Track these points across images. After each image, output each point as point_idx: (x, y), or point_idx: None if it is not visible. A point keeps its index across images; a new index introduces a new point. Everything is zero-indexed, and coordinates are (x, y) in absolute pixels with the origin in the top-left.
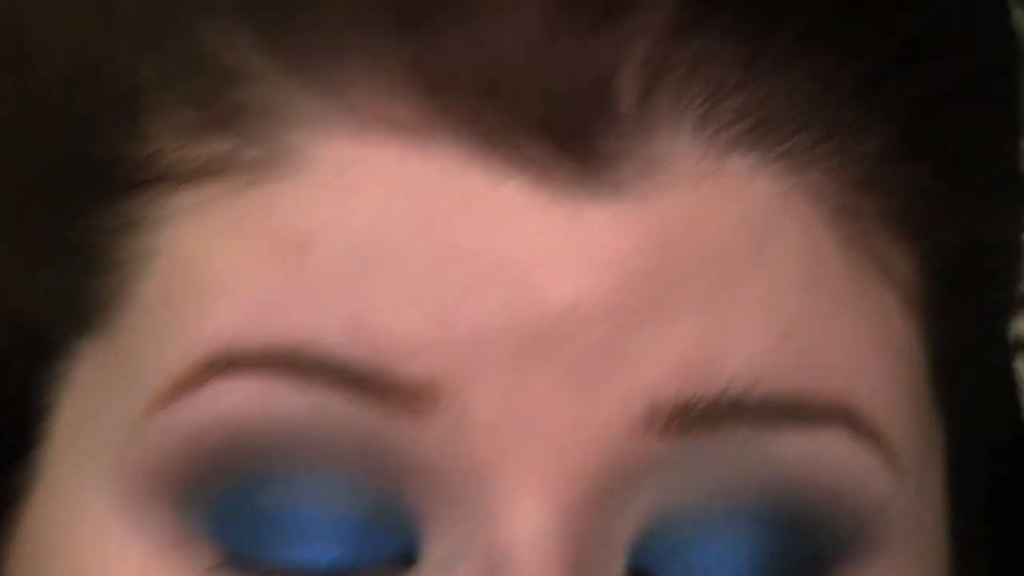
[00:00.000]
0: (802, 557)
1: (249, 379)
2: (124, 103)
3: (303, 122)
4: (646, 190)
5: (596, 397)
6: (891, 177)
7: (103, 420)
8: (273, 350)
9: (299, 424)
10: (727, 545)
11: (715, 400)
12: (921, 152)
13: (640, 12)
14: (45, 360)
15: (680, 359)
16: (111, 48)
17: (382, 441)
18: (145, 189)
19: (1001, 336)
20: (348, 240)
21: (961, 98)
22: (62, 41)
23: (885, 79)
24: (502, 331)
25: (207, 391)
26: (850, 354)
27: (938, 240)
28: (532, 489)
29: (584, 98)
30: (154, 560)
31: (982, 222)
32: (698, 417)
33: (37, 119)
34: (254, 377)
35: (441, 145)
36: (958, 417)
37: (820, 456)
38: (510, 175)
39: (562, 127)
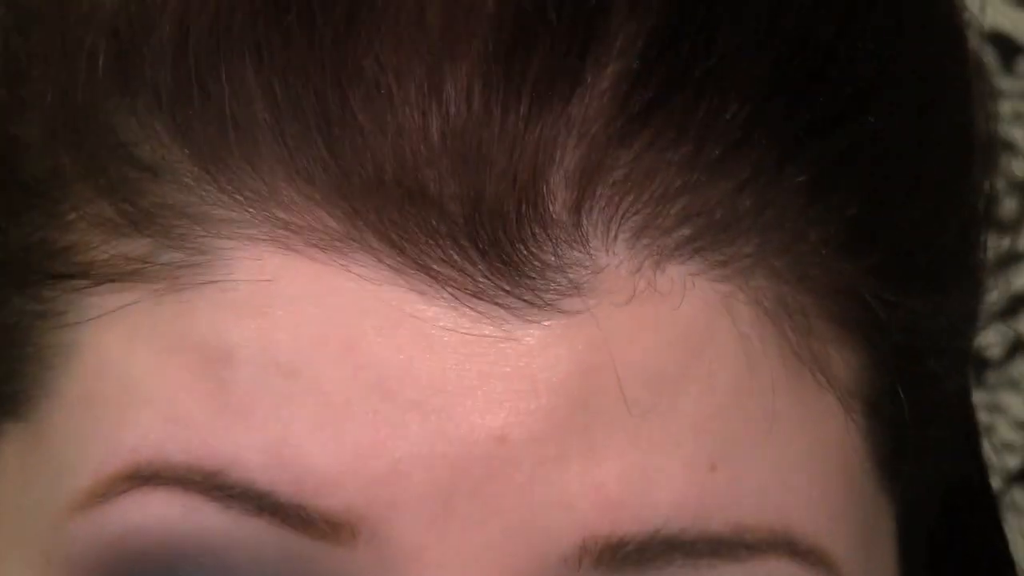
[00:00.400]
0: None
1: (170, 493)
2: (43, 188)
3: (222, 227)
4: (578, 307)
5: (525, 533)
6: (832, 274)
7: (26, 511)
8: (194, 471)
9: (220, 541)
10: None
11: (647, 540)
12: (863, 249)
13: (574, 106)
14: None
15: (610, 496)
16: (28, 130)
17: (304, 565)
18: (66, 281)
19: (957, 391)
20: (268, 361)
21: (902, 192)
22: None
23: (828, 177)
24: (426, 465)
25: (128, 500)
26: (784, 477)
27: (881, 335)
28: None
29: (512, 203)
30: None
31: (928, 310)
32: (628, 555)
33: None
34: (175, 492)
35: (363, 259)
36: (909, 486)
37: None
38: (435, 292)
39: (489, 236)
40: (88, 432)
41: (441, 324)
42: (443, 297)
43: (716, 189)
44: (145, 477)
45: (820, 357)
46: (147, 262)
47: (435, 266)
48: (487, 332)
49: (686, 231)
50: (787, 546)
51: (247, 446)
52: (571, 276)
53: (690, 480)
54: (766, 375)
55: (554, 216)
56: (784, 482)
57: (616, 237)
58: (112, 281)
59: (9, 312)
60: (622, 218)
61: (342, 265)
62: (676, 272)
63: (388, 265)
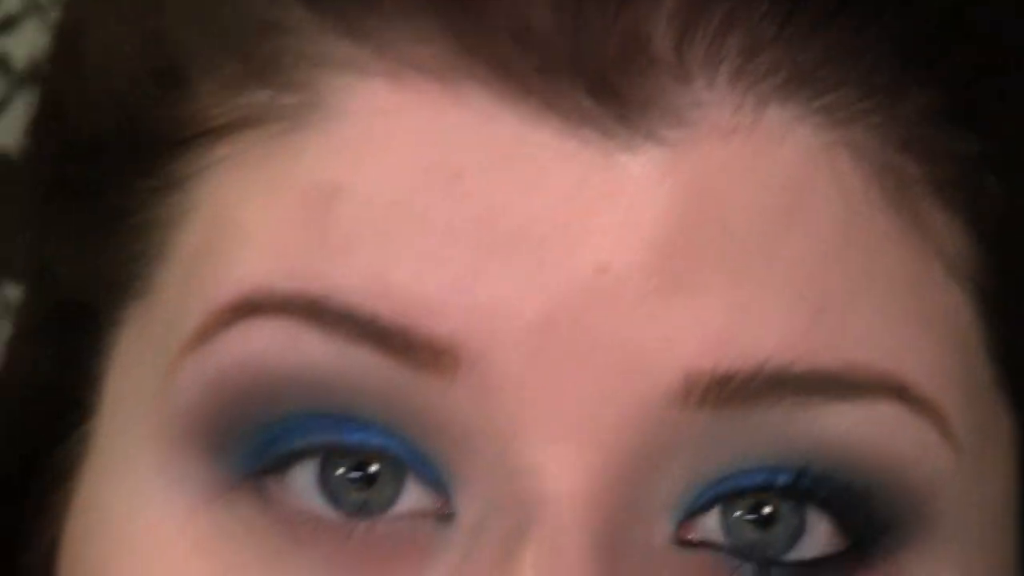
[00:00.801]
0: (858, 523)
1: (274, 323)
2: (169, 68)
3: (338, 66)
4: (682, 139)
5: (628, 369)
6: (936, 141)
7: (143, 380)
8: (297, 298)
9: (324, 370)
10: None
11: (752, 375)
12: (967, 117)
13: None
14: (95, 333)
15: (714, 333)
16: (159, 18)
17: (407, 394)
18: (186, 147)
19: None
20: (375, 192)
21: (1008, 63)
22: (112, 16)
23: (929, 41)
24: (529, 295)
25: (234, 332)
26: (892, 326)
27: (987, 210)
28: (561, 455)
29: (618, 43)
30: (195, 515)
31: None
32: (735, 390)
33: (82, 94)
34: (279, 322)
35: (472, 91)
36: None
37: (871, 429)
38: (542, 123)
39: (595, 71)
40: (199, 279)
41: (548, 155)
42: (550, 127)
43: (817, 36)
44: (250, 308)
45: (926, 223)
46: (264, 109)
47: (542, 98)
48: (593, 162)
49: (785, 74)
50: (898, 391)
51: (351, 273)
52: (675, 109)
53: (797, 319)
54: (870, 228)
55: (657, 54)
56: (894, 332)
57: (717, 75)
58: (231, 134)
59: (127, 196)
60: (723, 58)
61: (452, 99)
62: (777, 115)
63: (496, 98)
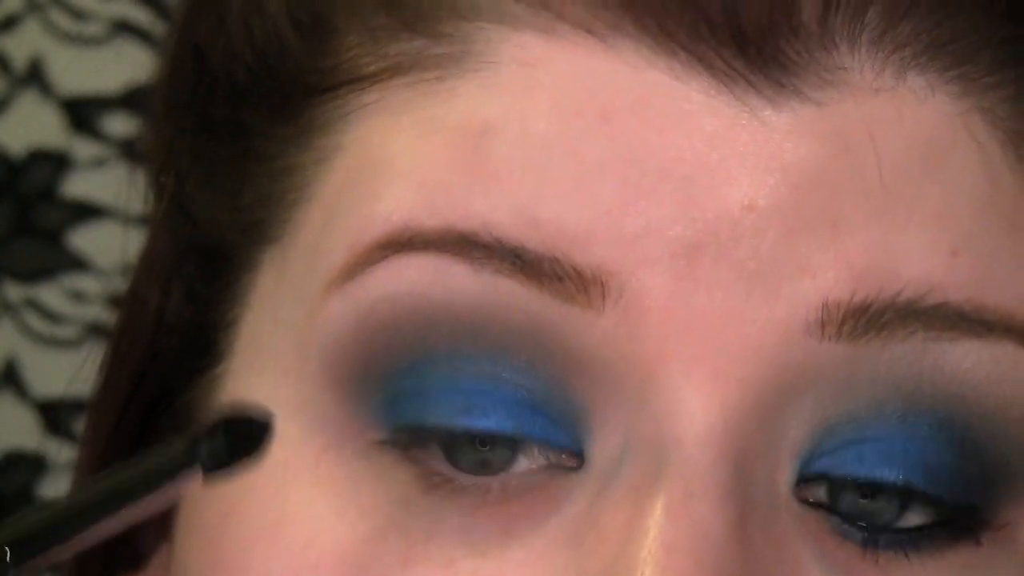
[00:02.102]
0: (975, 473)
1: (424, 258)
2: (314, 18)
3: (492, 19)
4: (826, 98)
5: (769, 298)
6: None
7: (282, 320)
8: (448, 233)
9: (471, 305)
10: (902, 437)
11: (888, 304)
12: None
13: None
14: (230, 277)
15: (854, 264)
16: None
17: (553, 329)
18: (332, 95)
19: None
20: (526, 131)
21: None
22: None
23: None
24: (675, 227)
25: (382, 268)
26: (1021, 276)
27: None
28: (701, 387)
29: (767, 7)
30: (326, 454)
31: None
32: (871, 320)
33: (226, 42)
34: (429, 256)
35: (624, 44)
36: None
37: (995, 367)
38: (691, 76)
39: (745, 33)
40: (344, 214)
41: (695, 106)
42: (699, 80)
43: (953, 7)
44: (399, 244)
45: None
46: (414, 59)
47: (693, 54)
48: (739, 114)
49: (924, 42)
50: (1022, 334)
51: (500, 207)
52: (818, 71)
53: (932, 260)
54: (1006, 186)
55: (803, 19)
56: None
57: (859, 42)
58: (380, 82)
59: (268, 141)
60: (865, 26)
61: (604, 50)
62: (916, 81)
63: (648, 50)
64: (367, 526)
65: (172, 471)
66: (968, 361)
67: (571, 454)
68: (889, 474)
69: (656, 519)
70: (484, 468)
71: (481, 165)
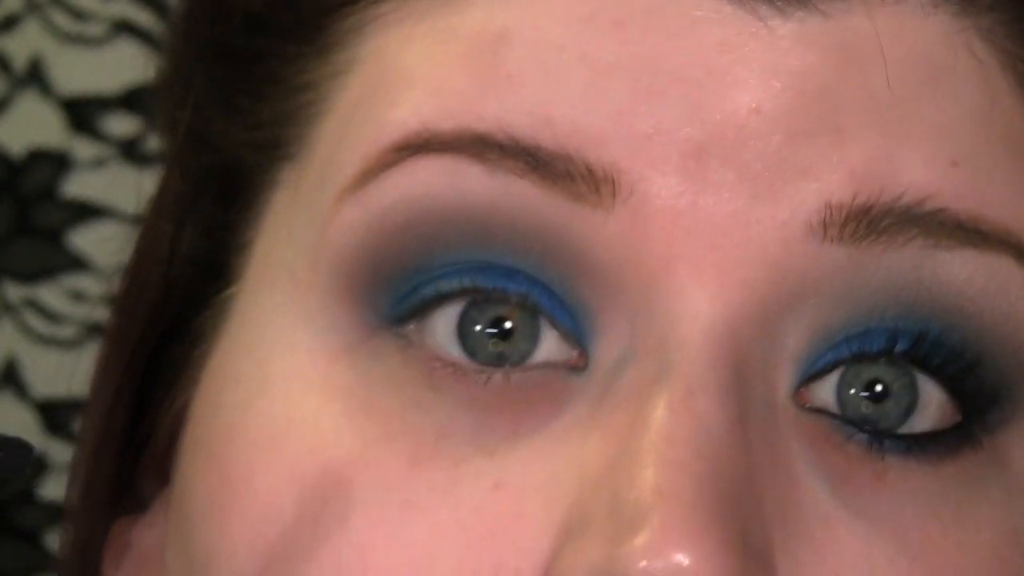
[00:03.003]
0: (970, 391)
1: (439, 160)
2: None
3: None
4: (832, 10)
5: (773, 198)
6: None
7: (295, 234)
8: (463, 135)
9: (484, 207)
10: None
11: (888, 207)
12: None
13: None
14: (246, 199)
15: (856, 168)
16: None
17: (563, 230)
18: (347, 10)
19: None
20: (540, 37)
21: None
22: None
23: None
24: (685, 129)
25: (396, 172)
26: (1020, 191)
27: None
28: (705, 287)
29: None
30: (338, 360)
31: None
32: (872, 223)
33: None
34: (444, 159)
35: None
36: None
37: (991, 280)
38: None
39: None
40: (359, 124)
41: (705, 11)
42: None
43: None
44: (414, 148)
45: None
46: None
47: None
48: (748, 22)
49: None
50: (1018, 249)
51: (514, 109)
52: None
53: (932, 169)
54: (1004, 105)
55: None
56: (1022, 194)
57: None
58: None
59: (285, 61)
60: None
61: None
62: None
63: None
64: (377, 430)
65: None
66: (965, 272)
67: (580, 349)
68: (899, 344)
69: (657, 415)
70: (499, 358)
71: (496, 70)
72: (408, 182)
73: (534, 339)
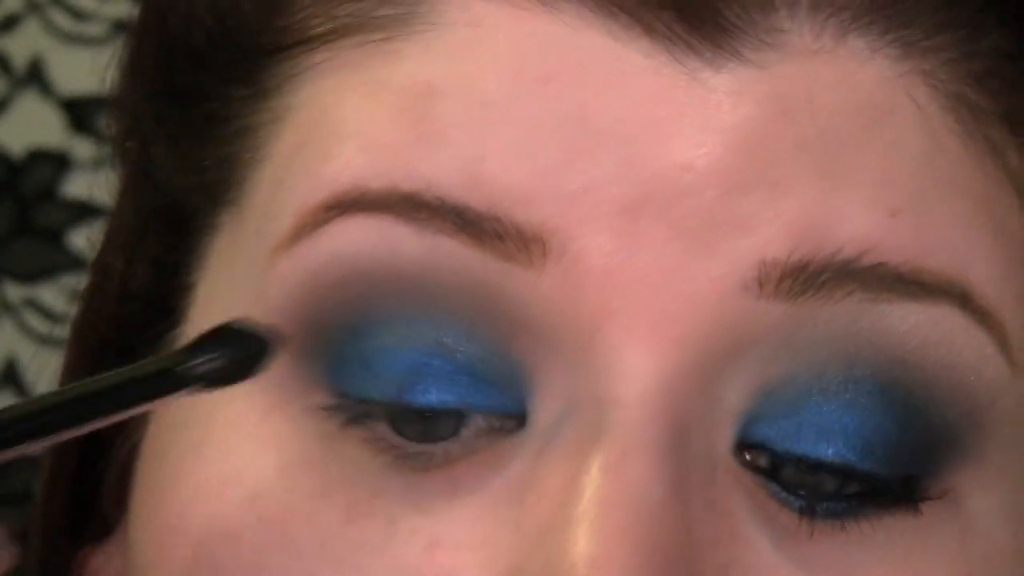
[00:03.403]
0: (915, 440)
1: (370, 219)
2: None
3: None
4: (765, 61)
5: (707, 255)
6: (1008, 77)
7: (234, 282)
8: (393, 193)
9: (415, 266)
10: (841, 408)
11: (826, 263)
12: None
13: None
14: (191, 240)
15: (792, 223)
16: None
17: (495, 289)
18: (284, 55)
19: None
20: (467, 93)
21: None
22: None
23: None
24: (615, 186)
25: (329, 230)
26: (964, 236)
27: None
28: (640, 347)
29: None
30: (273, 412)
31: None
32: (809, 279)
33: (184, 4)
34: (375, 218)
35: (565, 8)
36: None
37: (933, 330)
38: (631, 38)
39: None
40: (293, 176)
41: (635, 67)
42: (638, 42)
43: None
44: (344, 206)
45: (999, 149)
46: (363, 19)
47: (633, 16)
48: (679, 75)
49: (864, 4)
50: (962, 298)
51: (444, 168)
52: (758, 34)
53: (871, 220)
54: (947, 146)
55: None
56: (964, 243)
57: (799, 5)
58: (329, 42)
59: (226, 103)
60: None
61: (546, 12)
62: (856, 43)
63: (588, 12)
64: (312, 483)
65: (165, 377)
66: (906, 324)
67: (514, 417)
68: (826, 450)
69: (593, 477)
70: (429, 436)
71: (425, 126)
72: (340, 241)
73: (460, 417)
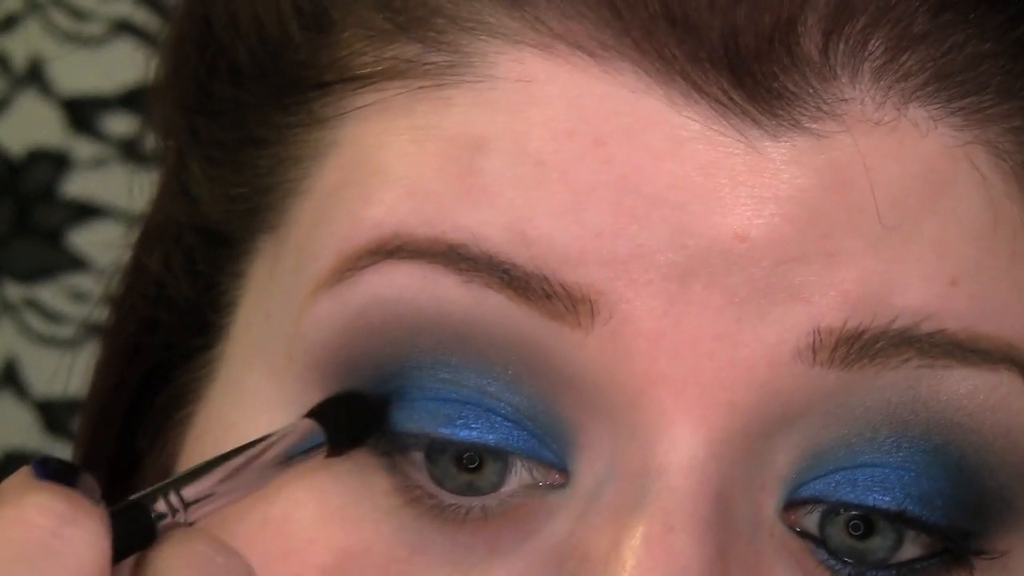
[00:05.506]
0: (969, 501)
1: (413, 266)
2: (316, 12)
3: (490, 33)
4: (824, 131)
5: (760, 322)
6: None
7: (272, 314)
8: (438, 242)
9: (459, 314)
10: (895, 465)
11: (882, 331)
12: None
13: None
14: (231, 260)
15: (848, 292)
16: None
17: (541, 346)
18: (328, 90)
19: None
20: (518, 150)
21: None
22: None
23: None
24: (667, 253)
25: (370, 273)
26: (1022, 303)
27: None
28: (688, 412)
29: (766, 37)
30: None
31: None
32: (864, 347)
33: (231, 18)
34: (417, 265)
35: (622, 69)
36: None
37: (991, 395)
38: (688, 104)
39: (743, 63)
40: (335, 215)
41: (692, 131)
42: (695, 108)
43: (957, 40)
44: (388, 251)
45: None
46: (411, 64)
47: (691, 82)
48: (735, 143)
49: (927, 75)
50: (1019, 367)
51: (491, 223)
52: (819, 103)
53: (929, 290)
54: (1009, 217)
55: (804, 51)
56: (1021, 311)
57: (862, 74)
58: (376, 83)
59: (269, 127)
60: (867, 56)
61: (601, 72)
62: (917, 113)
63: (646, 76)
64: (351, 539)
65: (301, 446)
66: (964, 388)
67: (557, 470)
68: (882, 499)
69: (635, 549)
70: (470, 490)
71: (473, 179)
72: (383, 284)
73: (504, 470)
